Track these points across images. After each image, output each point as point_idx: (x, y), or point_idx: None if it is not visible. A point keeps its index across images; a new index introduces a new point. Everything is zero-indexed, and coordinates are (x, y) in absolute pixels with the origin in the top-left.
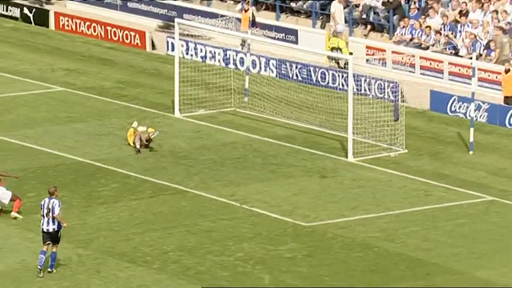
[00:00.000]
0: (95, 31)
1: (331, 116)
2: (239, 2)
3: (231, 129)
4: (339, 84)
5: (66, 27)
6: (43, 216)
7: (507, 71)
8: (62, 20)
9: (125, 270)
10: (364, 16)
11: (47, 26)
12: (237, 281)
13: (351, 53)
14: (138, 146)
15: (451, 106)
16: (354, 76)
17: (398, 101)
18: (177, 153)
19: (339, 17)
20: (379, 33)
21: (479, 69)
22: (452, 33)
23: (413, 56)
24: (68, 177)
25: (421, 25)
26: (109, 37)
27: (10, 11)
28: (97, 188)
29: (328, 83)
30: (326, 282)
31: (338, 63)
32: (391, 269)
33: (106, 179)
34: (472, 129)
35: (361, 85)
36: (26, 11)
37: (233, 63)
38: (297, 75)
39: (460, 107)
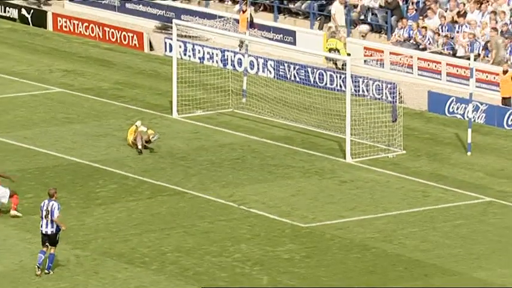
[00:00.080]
0: (92, 32)
1: (329, 117)
2: (237, 3)
3: (229, 130)
4: (336, 85)
5: (64, 28)
6: (42, 218)
7: (505, 72)
8: (59, 21)
9: (123, 271)
10: (362, 17)
11: (45, 27)
12: (235, 282)
13: (348, 54)
14: (140, 146)
15: (449, 107)
16: (351, 77)
17: (396, 102)
18: (175, 154)
19: (339, 18)
20: (377, 34)
21: (477, 70)
22: (450, 35)
23: (411, 57)
24: (65, 178)
25: (418, 25)
26: (107, 38)
27: (8, 12)
28: (95, 189)
29: (326, 84)
30: (324, 283)
31: (336, 64)
32: (389, 270)
33: (104, 180)
34: (470, 130)
35: (359, 86)
36: (24, 12)
37: (231, 64)
38: (295, 76)
39: (458, 108)
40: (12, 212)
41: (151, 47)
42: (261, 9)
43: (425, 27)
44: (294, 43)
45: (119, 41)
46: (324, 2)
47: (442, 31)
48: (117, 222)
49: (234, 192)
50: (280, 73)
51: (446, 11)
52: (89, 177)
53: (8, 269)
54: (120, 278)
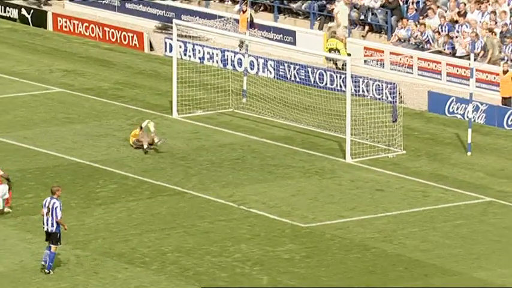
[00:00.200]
0: (92, 32)
1: (329, 117)
2: (237, 3)
3: (229, 130)
4: (337, 85)
5: (64, 28)
6: (44, 215)
7: (505, 72)
8: (60, 21)
9: (123, 271)
10: (362, 17)
11: (45, 27)
12: (235, 282)
13: (349, 54)
14: (145, 146)
15: (449, 107)
16: (352, 77)
17: (396, 102)
18: (175, 154)
19: (342, 18)
20: (377, 34)
21: (477, 70)
22: (450, 34)
23: (411, 57)
24: (66, 178)
25: (416, 25)
26: (107, 38)
27: (8, 12)
28: (95, 189)
29: (326, 84)
30: (324, 283)
31: (336, 64)
32: (389, 270)
33: (104, 180)
34: (470, 130)
35: (359, 86)
36: (24, 12)
37: (231, 64)
38: (295, 76)
39: (458, 108)
40: (6, 209)
41: (151, 47)
42: (261, 9)
43: (423, 24)
44: (294, 43)
45: (119, 41)
46: (325, 2)
47: (442, 31)
48: (117, 222)
49: (234, 192)
50: (280, 73)
51: (446, 11)
52: (89, 177)
53: (8, 269)
54: (120, 278)
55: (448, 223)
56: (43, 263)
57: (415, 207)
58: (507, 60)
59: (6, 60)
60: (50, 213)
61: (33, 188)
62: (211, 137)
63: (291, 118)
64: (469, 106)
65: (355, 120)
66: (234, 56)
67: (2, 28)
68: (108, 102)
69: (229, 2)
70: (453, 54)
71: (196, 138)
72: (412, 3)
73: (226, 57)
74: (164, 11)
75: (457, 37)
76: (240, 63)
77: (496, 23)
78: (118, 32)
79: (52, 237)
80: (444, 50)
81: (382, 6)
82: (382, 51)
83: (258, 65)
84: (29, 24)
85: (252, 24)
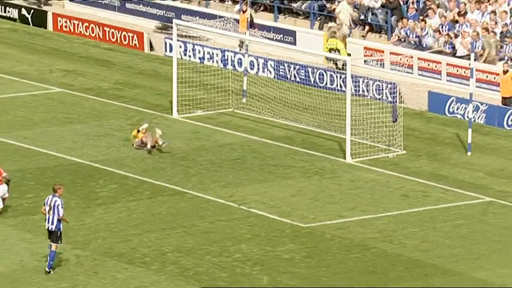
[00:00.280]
0: (93, 32)
1: (329, 117)
2: (237, 3)
3: (229, 130)
4: (337, 85)
5: (64, 28)
6: (43, 213)
7: (505, 72)
8: (60, 21)
9: (123, 271)
10: (362, 17)
11: (45, 27)
12: (235, 282)
13: (349, 54)
14: (149, 146)
15: (449, 107)
16: (352, 77)
17: (396, 102)
18: (175, 154)
19: (344, 18)
20: (377, 34)
21: (477, 70)
22: (451, 34)
23: (412, 57)
24: (66, 178)
25: (415, 25)
26: (107, 38)
27: (8, 12)
28: (95, 189)
29: (326, 84)
30: (324, 283)
31: (336, 64)
32: (389, 270)
33: (104, 180)
34: (470, 130)
35: (359, 86)
36: (24, 12)
37: (231, 64)
38: (295, 76)
39: (458, 108)
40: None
41: (151, 47)
42: (261, 9)
43: (424, 20)
44: (294, 43)
45: (119, 41)
46: (324, 2)
47: (443, 30)
48: (118, 222)
49: (234, 192)
50: (281, 73)
51: (446, 11)
52: (89, 177)
53: (8, 269)
54: (120, 278)
55: (448, 223)
56: (51, 262)
57: (415, 207)
58: (507, 60)
59: (6, 60)
60: (52, 211)
61: (33, 188)
62: (212, 137)
63: (291, 118)
64: (469, 106)
65: (355, 120)
66: (234, 56)
67: (2, 28)
68: (108, 102)
69: (229, 2)
70: (453, 54)
71: (196, 138)
72: (412, 3)
73: (226, 57)
74: (164, 11)
75: (456, 36)
76: (240, 63)
77: (496, 23)
78: (118, 32)
79: (53, 236)
80: (445, 49)
81: (383, 6)
82: (382, 51)
83: (258, 65)
84: (29, 24)
85: (252, 24)
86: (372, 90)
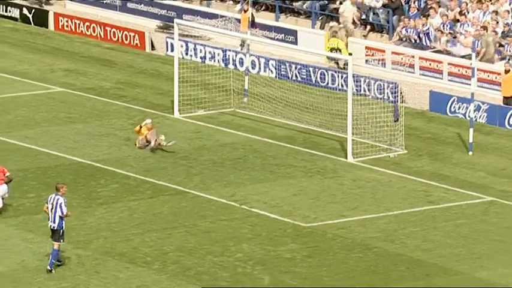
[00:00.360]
0: (94, 32)
1: (331, 117)
2: (238, 2)
3: (230, 130)
4: (338, 84)
5: (66, 28)
6: (45, 211)
7: (507, 72)
8: (61, 21)
9: (125, 271)
10: (363, 17)
11: (47, 27)
12: (237, 282)
13: (350, 54)
14: (153, 144)
15: (450, 107)
16: (353, 77)
17: (397, 101)
18: (176, 153)
19: (348, 18)
20: (379, 34)
21: (478, 69)
22: (453, 33)
23: (413, 57)
24: (67, 177)
25: (417, 22)
26: (108, 38)
27: (9, 11)
28: (97, 189)
29: (327, 83)
30: (325, 282)
31: (337, 63)
32: (390, 269)
33: (106, 180)
34: (471, 130)
35: (360, 86)
36: (25, 11)
37: (232, 64)
38: (296, 76)
39: (459, 108)
40: None
41: (152, 47)
42: (262, 8)
43: (426, 17)
44: (295, 43)
45: (120, 40)
46: (326, 2)
47: (445, 29)
48: (119, 222)
49: (235, 192)
50: (282, 73)
51: (447, 11)
52: (90, 176)
53: (10, 268)
54: (121, 278)
55: (450, 223)
56: (57, 262)
57: (417, 207)
58: (509, 59)
59: (7, 60)
60: (54, 209)
61: (35, 188)
62: (213, 137)
63: (293, 118)
64: (471, 106)
65: (357, 119)
66: (236, 56)
67: (3, 27)
68: (110, 101)
69: (231, 2)
70: (455, 54)
71: (197, 137)
72: (414, 2)
73: (227, 57)
74: (166, 11)
75: (455, 37)
76: (241, 63)
77: (497, 22)
78: (119, 31)
79: (55, 235)
80: (448, 47)
81: (385, 6)
82: (384, 51)
83: (259, 64)
84: (31, 24)
85: (253, 24)
86: (374, 90)
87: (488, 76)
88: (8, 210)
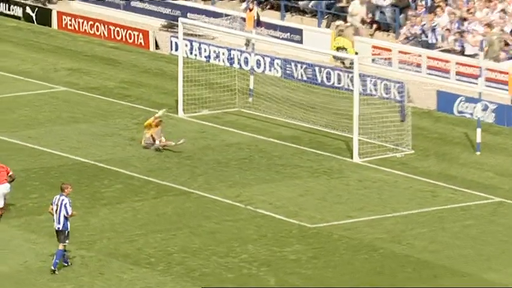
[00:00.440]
0: (98, 30)
1: (337, 117)
2: (244, 1)
3: (235, 130)
4: (344, 84)
5: (69, 27)
6: (50, 212)
7: None
8: (64, 20)
9: (129, 272)
10: (370, 15)
11: (50, 26)
12: (241, 283)
13: (356, 53)
14: (157, 142)
15: (458, 106)
16: (359, 76)
17: (404, 101)
18: (181, 153)
19: (356, 17)
20: (385, 33)
21: (486, 69)
22: (459, 33)
23: (420, 56)
24: (71, 178)
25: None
26: (112, 37)
27: (12, 10)
28: (100, 189)
29: (333, 83)
30: (331, 284)
31: (343, 63)
32: (397, 271)
33: (109, 180)
34: (479, 130)
35: (366, 85)
36: (28, 10)
37: (237, 63)
38: (302, 75)
39: (467, 107)
40: None
41: (157, 46)
42: (267, 7)
43: (434, 13)
44: (301, 42)
45: (124, 39)
46: (332, 1)
47: (452, 28)
48: (123, 223)
49: (240, 193)
50: (287, 72)
51: (455, 9)
52: (94, 177)
53: (13, 270)
54: (125, 279)
55: (458, 223)
56: (64, 264)
57: (424, 208)
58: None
59: (10, 59)
60: (59, 210)
61: (38, 188)
62: (218, 137)
63: (298, 117)
64: (478, 105)
65: (363, 119)
66: (241, 55)
67: (6, 26)
68: (114, 101)
69: (236, 0)
70: (462, 53)
71: (202, 137)
72: (421, 0)
73: (232, 56)
74: (170, 9)
75: (465, 34)
76: (246, 62)
77: (504, 21)
78: (123, 30)
79: (60, 235)
80: (455, 46)
81: (392, 4)
82: (390, 50)
83: (264, 63)
84: (34, 23)
85: (258, 23)
86: (380, 89)
87: (496, 76)
88: (10, 210)
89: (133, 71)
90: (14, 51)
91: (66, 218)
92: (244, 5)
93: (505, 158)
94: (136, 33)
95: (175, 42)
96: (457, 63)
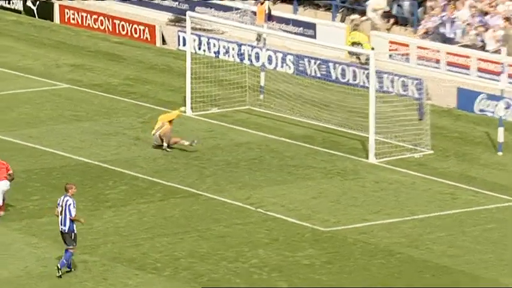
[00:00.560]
0: (102, 25)
1: (352, 115)
2: None
3: (245, 129)
4: (360, 81)
5: (72, 21)
6: (57, 214)
7: None
8: (67, 13)
9: (134, 277)
10: (387, 9)
11: (52, 20)
12: None
13: (372, 48)
14: (165, 143)
15: (479, 104)
16: (375, 72)
17: (423, 99)
18: (188, 154)
19: (376, 12)
20: (403, 27)
21: (509, 65)
22: (480, 27)
23: (439, 51)
24: (73, 179)
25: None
26: (117, 31)
27: (13, 3)
28: (104, 191)
29: (348, 79)
30: None
31: (359, 58)
32: (415, 276)
33: (114, 181)
34: (501, 129)
35: (383, 82)
36: (29, 3)
37: (248, 59)
38: (315, 72)
39: (488, 105)
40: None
41: (163, 41)
42: (279, 0)
43: (454, 6)
44: (314, 36)
45: (129, 34)
46: None
47: (473, 23)
48: (128, 226)
49: (251, 195)
50: (300, 68)
51: (476, 2)
52: (98, 178)
53: (13, 275)
54: (130, 285)
55: (478, 227)
56: (67, 268)
57: (443, 210)
58: None
59: (11, 55)
60: (63, 212)
61: (39, 190)
62: (227, 136)
63: (311, 116)
64: (500, 103)
65: (379, 118)
66: (251, 50)
67: (6, 20)
68: (118, 98)
69: None
70: (483, 48)
71: (211, 137)
72: None
73: (242, 52)
74: (177, 3)
75: (487, 29)
76: (257, 58)
77: None
78: (129, 24)
79: (66, 238)
80: (476, 41)
81: None
82: (408, 45)
83: (276, 59)
84: (35, 17)
85: (270, 17)
86: (397, 87)
87: None
88: (11, 213)
89: (138, 67)
90: (15, 47)
91: (71, 220)
92: None
93: None
94: (142, 27)
95: (183, 37)
96: (478, 59)
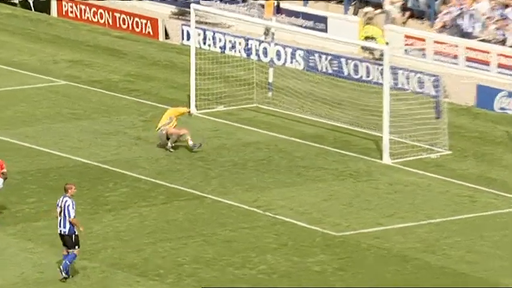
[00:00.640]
0: (101, 18)
1: (365, 113)
2: None
3: (253, 128)
4: (373, 77)
5: (70, 14)
6: (56, 216)
7: None
8: (65, 6)
9: (135, 284)
10: (402, 1)
11: (49, 13)
12: None
13: (387, 43)
14: (169, 144)
15: (499, 102)
16: (390, 69)
17: (440, 96)
18: (193, 154)
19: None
20: (419, 21)
21: None
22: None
23: (457, 46)
24: (71, 180)
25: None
26: (117, 25)
27: None
28: (104, 193)
29: (361, 76)
30: None
31: (373, 54)
32: (431, 283)
33: (114, 183)
34: None
35: (398, 79)
36: None
37: (255, 54)
38: (326, 68)
39: (509, 103)
40: None
41: (166, 35)
42: None
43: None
44: (325, 30)
45: (130, 28)
46: None
47: (493, 16)
48: (129, 230)
49: (258, 197)
50: (310, 64)
51: None
52: (97, 179)
53: (8, 282)
54: None
55: (498, 232)
56: (65, 275)
57: (461, 214)
58: None
59: (5, 50)
60: (63, 213)
61: (35, 192)
62: (234, 135)
63: (322, 114)
64: None
65: (394, 116)
66: (259, 45)
67: (1, 14)
68: (119, 96)
69: None
70: (504, 43)
71: (216, 136)
72: None
73: (250, 47)
74: None
75: (507, 22)
76: (265, 53)
77: None
78: (130, 18)
79: (67, 241)
80: (497, 36)
81: None
82: (424, 40)
83: (285, 55)
84: (31, 10)
85: (278, 10)
86: (413, 83)
87: None
88: (5, 216)
89: (140, 63)
90: (9, 41)
91: (70, 222)
92: None
93: None
94: (144, 21)
95: (187, 31)
96: (498, 54)
